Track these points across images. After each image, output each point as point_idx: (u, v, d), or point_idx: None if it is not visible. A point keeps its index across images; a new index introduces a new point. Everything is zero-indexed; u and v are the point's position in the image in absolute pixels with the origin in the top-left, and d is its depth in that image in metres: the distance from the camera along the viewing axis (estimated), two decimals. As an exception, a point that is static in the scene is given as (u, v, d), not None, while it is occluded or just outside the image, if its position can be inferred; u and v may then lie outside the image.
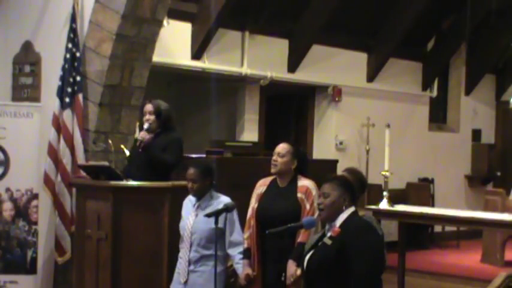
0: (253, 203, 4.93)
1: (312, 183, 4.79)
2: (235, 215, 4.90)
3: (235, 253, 4.88)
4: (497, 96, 13.02)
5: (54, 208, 6.51)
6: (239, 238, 4.89)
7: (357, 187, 4.18)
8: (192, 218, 4.88)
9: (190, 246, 4.85)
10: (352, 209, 3.97)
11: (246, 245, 4.88)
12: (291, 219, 4.38)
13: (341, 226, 3.89)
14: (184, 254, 4.89)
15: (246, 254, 4.86)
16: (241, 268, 4.84)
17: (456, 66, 12.26)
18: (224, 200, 4.88)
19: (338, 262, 3.81)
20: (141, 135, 5.72)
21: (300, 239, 4.65)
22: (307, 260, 3.99)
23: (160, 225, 5.52)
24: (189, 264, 4.85)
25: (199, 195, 4.90)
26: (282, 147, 4.88)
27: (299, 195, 4.75)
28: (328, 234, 3.91)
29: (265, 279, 4.82)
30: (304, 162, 4.94)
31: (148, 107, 5.84)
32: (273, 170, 4.89)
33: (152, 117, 5.79)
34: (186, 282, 4.87)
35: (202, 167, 4.93)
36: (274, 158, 4.87)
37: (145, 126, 5.77)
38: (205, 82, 9.08)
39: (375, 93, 10.75)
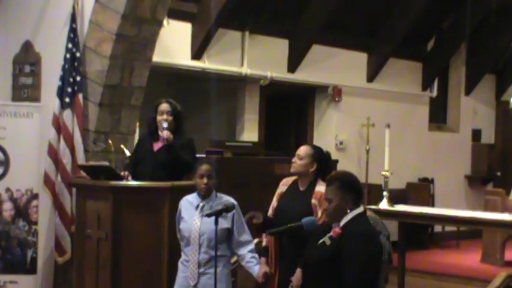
0: (274, 202, 4.91)
1: None
2: (241, 215, 4.87)
3: (245, 252, 4.80)
4: (497, 96, 13.03)
5: (54, 208, 6.51)
6: (248, 237, 4.84)
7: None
8: (199, 219, 4.77)
9: (199, 247, 4.75)
10: (358, 210, 3.91)
11: (264, 243, 4.85)
12: None
13: (343, 227, 3.86)
14: (192, 257, 4.77)
15: (265, 252, 4.82)
16: (254, 266, 4.77)
17: (456, 66, 12.26)
18: (229, 199, 4.83)
19: (333, 263, 3.79)
20: (166, 133, 5.69)
21: None
22: (307, 256, 3.99)
23: (160, 225, 5.51)
24: (199, 267, 4.75)
25: (209, 193, 4.83)
26: (302, 150, 4.84)
27: (313, 201, 4.70)
28: (330, 233, 3.89)
29: (281, 279, 4.77)
30: (326, 166, 4.85)
31: (166, 106, 5.82)
32: (291, 170, 4.86)
33: (170, 117, 5.79)
34: (196, 285, 4.76)
35: (213, 163, 4.90)
36: (293, 159, 4.83)
37: (165, 125, 5.73)
38: (205, 82, 9.08)
39: (375, 93, 10.76)
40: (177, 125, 5.85)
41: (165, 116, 5.79)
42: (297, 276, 4.47)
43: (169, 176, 5.66)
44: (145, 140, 5.98)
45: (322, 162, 4.84)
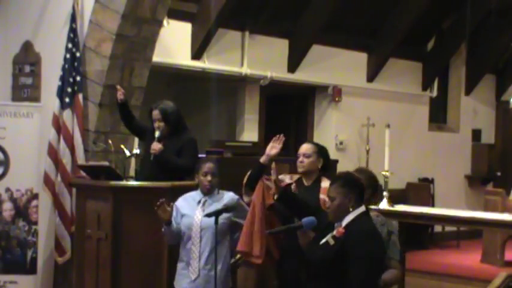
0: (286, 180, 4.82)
1: None
2: (245, 205, 4.88)
3: None
4: (497, 96, 13.02)
5: (54, 208, 6.52)
6: None
7: (366, 186, 4.15)
8: (200, 213, 4.82)
9: (200, 241, 4.79)
10: (360, 210, 3.90)
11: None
12: None
13: (346, 227, 3.86)
14: (194, 251, 4.81)
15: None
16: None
17: (456, 66, 12.26)
18: (229, 194, 4.90)
19: (337, 263, 3.79)
20: (153, 147, 5.67)
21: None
22: (310, 254, 3.98)
23: (160, 225, 5.47)
24: (200, 260, 4.78)
25: (212, 191, 4.89)
26: (306, 148, 4.84)
27: (321, 196, 4.68)
28: (334, 233, 3.89)
29: (282, 276, 4.78)
30: (329, 161, 4.91)
31: (156, 113, 5.79)
32: (300, 170, 4.83)
33: (162, 124, 5.76)
34: (196, 279, 4.79)
35: (216, 162, 4.97)
36: (300, 159, 4.80)
37: (157, 134, 5.73)
38: (205, 82, 9.08)
39: (375, 93, 10.75)
40: (172, 128, 5.81)
41: (157, 124, 5.78)
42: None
43: (167, 176, 5.65)
44: (149, 139, 5.92)
45: (327, 157, 4.89)
